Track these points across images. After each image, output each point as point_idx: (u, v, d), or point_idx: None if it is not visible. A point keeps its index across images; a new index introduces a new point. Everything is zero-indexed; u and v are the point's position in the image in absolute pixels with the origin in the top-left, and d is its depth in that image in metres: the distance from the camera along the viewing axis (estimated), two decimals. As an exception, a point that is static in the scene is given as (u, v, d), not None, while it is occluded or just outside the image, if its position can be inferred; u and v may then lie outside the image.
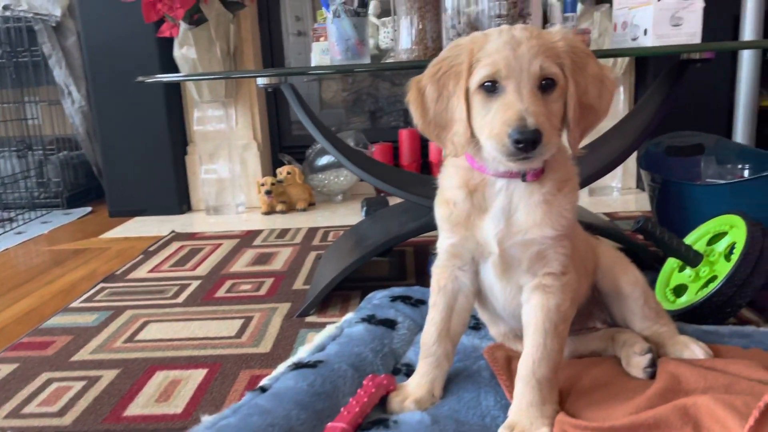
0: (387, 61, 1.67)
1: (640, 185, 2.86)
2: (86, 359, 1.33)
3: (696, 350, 1.00)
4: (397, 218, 1.77)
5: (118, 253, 2.25)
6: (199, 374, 1.23)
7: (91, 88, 2.83)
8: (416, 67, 1.16)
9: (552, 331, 0.88)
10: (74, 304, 1.68)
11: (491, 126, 0.79)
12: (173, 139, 2.85)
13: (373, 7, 2.83)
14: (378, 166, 1.83)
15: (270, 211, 2.79)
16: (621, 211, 2.48)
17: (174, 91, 2.87)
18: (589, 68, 0.84)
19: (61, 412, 1.11)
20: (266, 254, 2.09)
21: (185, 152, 2.95)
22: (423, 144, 2.99)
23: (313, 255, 2.05)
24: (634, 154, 1.76)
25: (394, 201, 2.03)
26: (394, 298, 1.32)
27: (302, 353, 1.11)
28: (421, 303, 1.29)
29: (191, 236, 2.41)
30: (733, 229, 1.29)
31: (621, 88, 2.76)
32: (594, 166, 1.55)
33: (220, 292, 1.72)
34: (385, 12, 2.89)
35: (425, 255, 1.93)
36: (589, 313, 1.09)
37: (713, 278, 1.25)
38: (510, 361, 1.03)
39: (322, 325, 1.31)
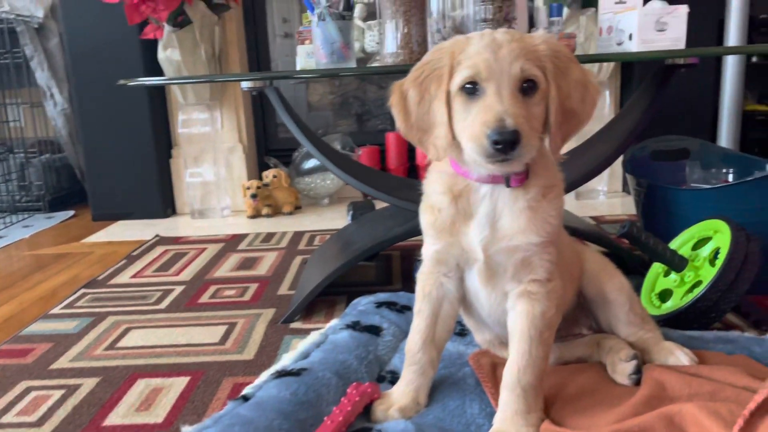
0: (372, 64, 1.65)
1: (626, 189, 2.87)
2: (66, 367, 1.31)
3: (681, 356, 1.00)
4: (383, 222, 1.77)
5: (100, 257, 2.23)
6: (181, 382, 1.21)
7: (73, 90, 2.80)
8: (402, 71, 1.15)
9: (537, 338, 0.87)
10: (55, 311, 1.66)
11: (471, 128, 0.79)
12: (158, 141, 2.82)
13: (358, 10, 2.82)
14: (363, 170, 1.81)
15: (255, 215, 2.77)
16: (607, 215, 2.48)
17: (158, 94, 2.85)
18: (571, 73, 0.83)
19: (39, 422, 1.08)
20: (251, 259, 2.07)
21: (170, 155, 2.93)
22: (410, 147, 2.98)
23: (298, 259, 2.03)
24: (620, 158, 1.76)
25: (381, 205, 2.02)
26: (379, 304, 1.31)
27: (286, 360, 1.10)
28: (406, 309, 1.28)
29: (175, 240, 2.39)
30: (718, 234, 1.29)
31: (607, 93, 2.78)
32: (580, 171, 1.55)
33: (204, 298, 1.70)
34: (370, 15, 2.88)
35: (412, 259, 1.92)
36: (575, 319, 1.09)
37: (698, 283, 1.25)
38: (495, 368, 1.03)
39: (307, 332, 1.30)
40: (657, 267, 1.40)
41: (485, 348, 1.10)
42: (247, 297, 1.69)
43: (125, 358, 1.33)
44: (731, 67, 2.48)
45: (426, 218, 0.92)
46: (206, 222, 2.74)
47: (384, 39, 1.52)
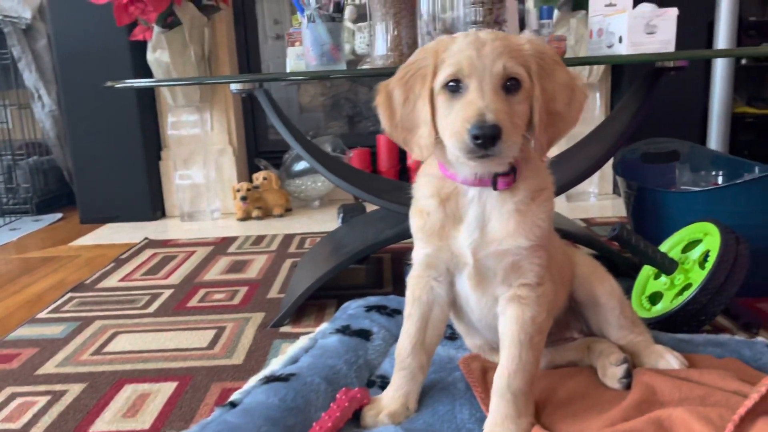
0: (363, 66, 1.65)
1: (616, 191, 2.88)
2: (52, 372, 1.29)
3: (671, 360, 0.99)
4: (374, 225, 1.76)
5: (88, 261, 2.20)
6: (168, 387, 1.19)
7: (61, 91, 2.77)
8: (392, 73, 1.14)
9: (527, 342, 0.87)
10: (41, 315, 1.63)
11: (453, 125, 0.78)
12: (147, 143, 2.80)
13: (348, 12, 2.81)
14: (354, 173, 1.81)
15: (245, 218, 2.76)
16: (598, 217, 2.49)
17: (148, 95, 2.83)
18: (557, 76, 0.83)
19: (25, 429, 1.07)
20: (241, 262, 2.06)
21: (159, 157, 2.91)
22: (401, 149, 2.97)
23: (288, 262, 2.02)
24: (611, 161, 1.76)
25: (371, 207, 2.01)
26: (369, 308, 1.30)
27: (274, 365, 1.09)
28: (396, 313, 1.27)
29: (164, 243, 2.37)
30: (708, 237, 1.29)
31: (597, 95, 2.78)
32: (570, 174, 1.55)
33: (193, 302, 1.68)
34: (361, 17, 2.87)
35: (402, 262, 1.91)
36: (566, 323, 1.08)
37: (688, 286, 1.25)
38: (485, 372, 1.02)
39: (297, 336, 1.29)
40: (647, 270, 1.40)
41: (476, 352, 1.09)
42: (236, 301, 1.67)
43: (112, 363, 1.31)
44: (721, 70, 2.49)
45: (415, 222, 0.91)
46: (196, 225, 2.72)
47: (374, 41, 1.52)
